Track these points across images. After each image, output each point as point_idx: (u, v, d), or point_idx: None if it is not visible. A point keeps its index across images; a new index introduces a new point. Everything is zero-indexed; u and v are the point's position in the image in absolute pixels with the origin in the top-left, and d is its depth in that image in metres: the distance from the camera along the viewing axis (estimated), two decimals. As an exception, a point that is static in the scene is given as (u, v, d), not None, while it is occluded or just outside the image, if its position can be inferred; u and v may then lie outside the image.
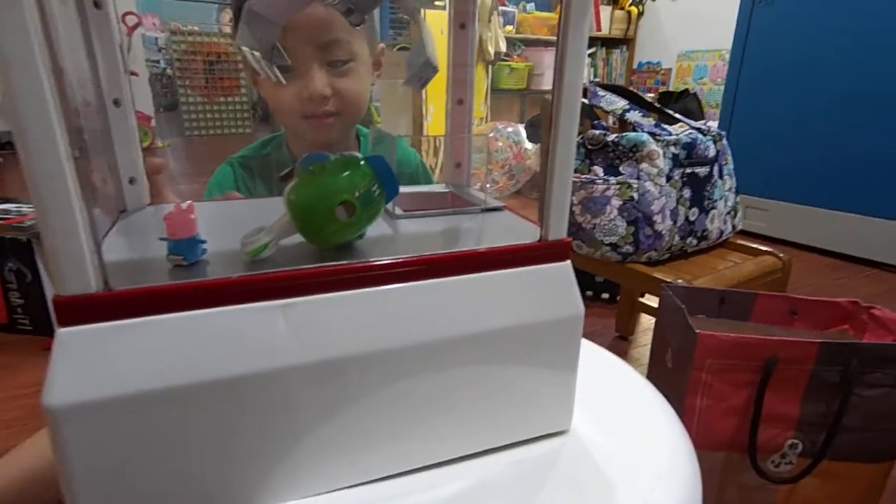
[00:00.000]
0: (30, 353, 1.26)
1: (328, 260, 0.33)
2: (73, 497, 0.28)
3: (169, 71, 5.05)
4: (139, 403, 0.27)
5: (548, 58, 3.64)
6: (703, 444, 0.72)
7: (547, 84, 3.65)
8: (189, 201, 0.33)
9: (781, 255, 1.06)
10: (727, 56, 2.42)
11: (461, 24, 0.50)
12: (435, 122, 2.81)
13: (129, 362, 0.27)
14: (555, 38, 0.34)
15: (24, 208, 1.46)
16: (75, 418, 0.26)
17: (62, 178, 0.24)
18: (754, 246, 1.11)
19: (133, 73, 3.81)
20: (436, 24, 2.71)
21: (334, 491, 0.35)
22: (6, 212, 1.43)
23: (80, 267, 0.26)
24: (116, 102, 0.40)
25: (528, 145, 2.86)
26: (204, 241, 0.33)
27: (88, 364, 0.27)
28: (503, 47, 3.37)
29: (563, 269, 0.39)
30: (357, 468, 0.35)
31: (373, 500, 0.35)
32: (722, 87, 2.44)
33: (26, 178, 0.24)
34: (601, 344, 0.56)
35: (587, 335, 0.40)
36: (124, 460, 0.28)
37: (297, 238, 0.34)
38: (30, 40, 0.22)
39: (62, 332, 0.27)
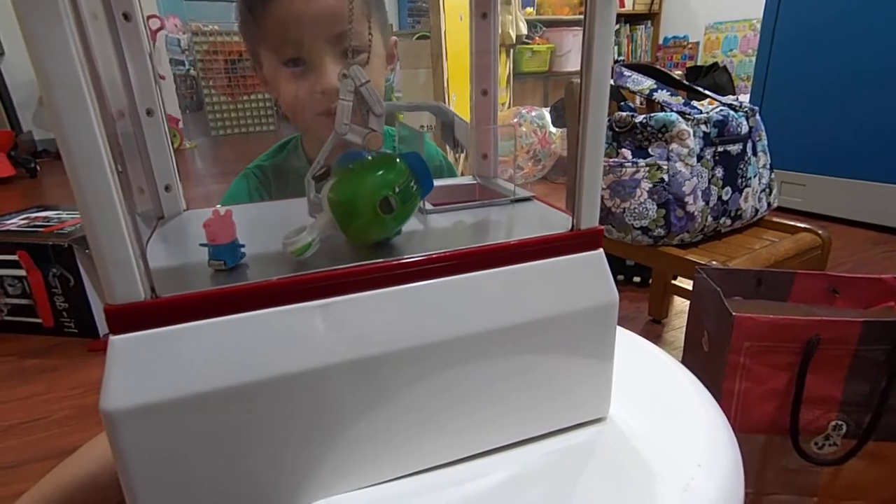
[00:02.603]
0: (76, 355, 1.32)
1: (363, 258, 0.33)
2: (132, 492, 0.29)
3: (193, 72, 5.14)
4: (190, 405, 0.29)
5: (570, 38, 3.57)
6: (743, 427, 0.71)
7: (570, 65, 3.58)
8: (227, 207, 0.34)
9: (820, 231, 1.03)
10: (758, 26, 2.34)
11: (483, 13, 0.49)
12: (458, 110, 2.79)
13: (178, 366, 0.28)
14: (577, 17, 0.34)
15: (64, 215, 1.52)
16: (131, 421, 0.28)
17: (108, 193, 0.25)
18: (791, 223, 1.08)
19: (160, 77, 3.89)
20: (455, 10, 2.68)
21: (379, 484, 0.36)
22: (47, 219, 1.48)
23: (128, 277, 0.27)
24: (149, 112, 0.41)
25: (553, 129, 2.82)
26: (242, 245, 0.34)
27: (141, 369, 0.28)
28: (524, 30, 3.32)
29: (596, 258, 0.39)
30: (400, 462, 0.36)
31: (413, 493, 0.35)
32: (753, 59, 2.36)
33: (74, 194, 0.25)
34: (634, 328, 0.56)
35: (620, 320, 0.40)
36: (178, 460, 0.29)
37: (333, 237, 0.35)
38: (73, 60, 0.23)
39: (115, 340, 0.28)
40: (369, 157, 0.35)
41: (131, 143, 0.42)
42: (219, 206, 0.37)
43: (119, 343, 0.28)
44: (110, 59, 0.38)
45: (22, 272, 1.35)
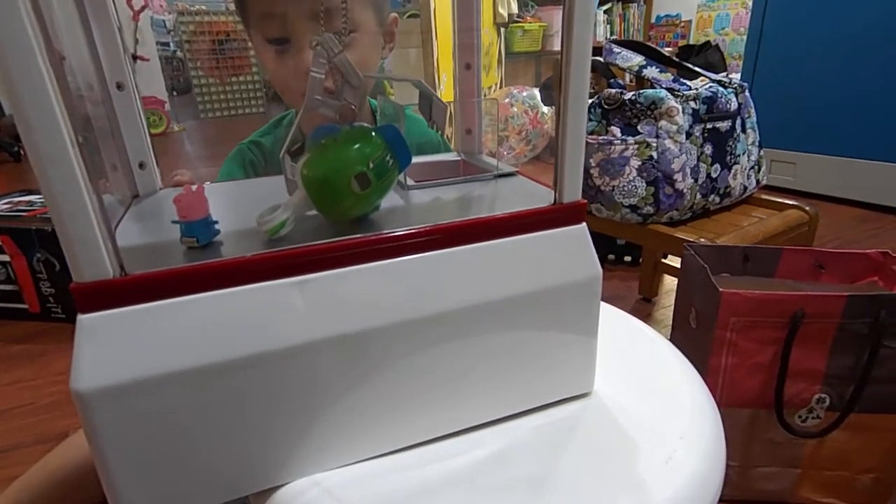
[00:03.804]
0: (64, 340, 1.31)
1: (343, 234, 0.33)
2: (107, 475, 0.29)
3: (179, 53, 5.04)
4: (162, 384, 0.28)
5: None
6: (729, 402, 0.71)
7: (561, 44, 3.53)
8: (206, 182, 0.33)
9: (808, 208, 1.03)
10: (750, 3, 2.32)
11: (465, -16, 0.48)
12: (448, 90, 2.76)
13: (150, 345, 0.28)
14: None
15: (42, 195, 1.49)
16: (102, 401, 0.27)
17: (69, 165, 0.24)
18: (779, 200, 1.08)
19: (143, 59, 3.80)
20: (443, -12, 2.61)
21: (363, 461, 0.35)
22: (30, 203, 1.46)
23: (94, 254, 0.26)
24: (119, 86, 0.40)
25: (545, 109, 2.80)
26: (216, 222, 0.33)
27: (111, 348, 0.27)
28: (515, 8, 3.28)
29: (579, 232, 0.38)
30: (383, 438, 0.36)
31: (399, 469, 0.35)
32: (745, 37, 2.34)
33: (34, 168, 0.24)
34: (624, 307, 0.56)
35: (610, 299, 0.40)
36: (153, 439, 0.29)
37: (311, 213, 0.34)
38: (24, 26, 0.22)
39: (83, 319, 0.27)
40: (343, 131, 0.34)
41: (104, 121, 0.40)
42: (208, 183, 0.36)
43: (87, 322, 0.27)
44: (77, 32, 0.37)
45: (6, 257, 1.33)
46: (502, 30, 3.26)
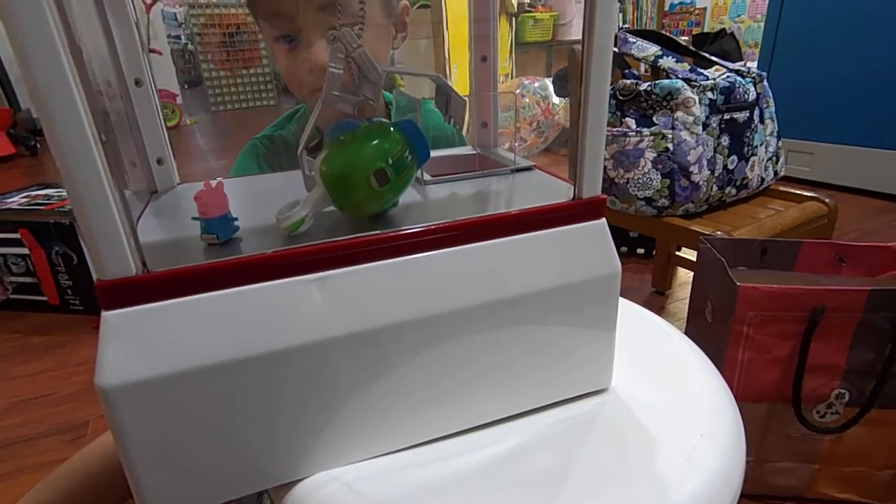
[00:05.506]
0: (82, 332, 1.33)
1: (361, 230, 0.33)
2: (131, 468, 0.29)
3: (190, 46, 5.05)
4: (186, 380, 0.28)
5: (573, 5, 3.48)
6: (746, 396, 0.71)
7: (574, 34, 3.50)
8: (219, 179, 0.33)
9: (827, 199, 1.01)
10: (767, -11, 2.27)
11: (481, -25, 0.48)
12: (459, 82, 2.75)
13: (172, 341, 0.28)
14: (581, -16, 0.32)
15: (65, 193, 1.51)
16: (127, 397, 0.27)
17: (92, 162, 0.24)
18: (797, 192, 1.06)
19: (156, 52, 3.82)
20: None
21: (382, 456, 0.36)
22: (48, 197, 1.48)
23: (118, 251, 0.27)
24: (138, 82, 0.40)
25: (556, 100, 2.78)
26: (235, 219, 0.33)
27: (135, 345, 0.28)
28: (526, -3, 3.25)
29: (599, 227, 0.38)
30: (402, 433, 0.36)
31: (418, 464, 0.35)
32: (762, 24, 2.30)
33: (58, 164, 0.24)
34: (638, 299, 0.55)
35: (623, 292, 0.40)
36: (176, 433, 0.29)
37: (329, 209, 0.34)
38: (47, 22, 0.22)
39: (107, 315, 0.27)
40: (362, 127, 0.34)
41: (122, 116, 0.41)
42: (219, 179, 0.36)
43: (111, 318, 0.27)
44: (95, 29, 0.37)
45: (25, 250, 1.35)
46: (513, 19, 3.23)
